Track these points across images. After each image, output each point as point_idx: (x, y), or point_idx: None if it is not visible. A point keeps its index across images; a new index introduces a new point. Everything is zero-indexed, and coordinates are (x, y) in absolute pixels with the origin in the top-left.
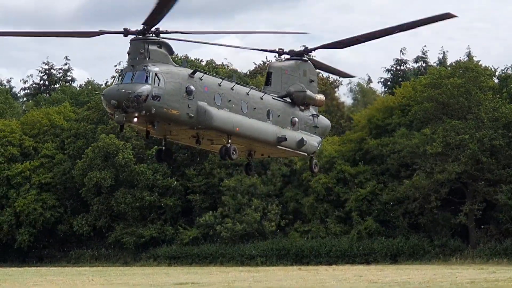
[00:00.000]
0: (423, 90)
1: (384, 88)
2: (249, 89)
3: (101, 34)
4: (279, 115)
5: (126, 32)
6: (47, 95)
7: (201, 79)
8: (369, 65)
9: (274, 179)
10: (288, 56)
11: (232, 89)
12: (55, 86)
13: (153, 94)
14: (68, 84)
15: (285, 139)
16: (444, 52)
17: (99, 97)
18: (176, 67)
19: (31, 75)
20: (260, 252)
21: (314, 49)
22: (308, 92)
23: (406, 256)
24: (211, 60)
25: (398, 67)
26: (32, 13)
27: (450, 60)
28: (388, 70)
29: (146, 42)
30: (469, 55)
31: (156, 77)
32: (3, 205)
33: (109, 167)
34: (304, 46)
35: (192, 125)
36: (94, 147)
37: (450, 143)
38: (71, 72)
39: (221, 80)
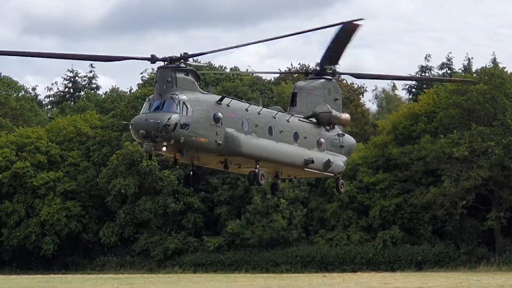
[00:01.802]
0: (448, 97)
1: (409, 95)
2: (276, 112)
3: (128, 59)
4: (305, 137)
5: (152, 59)
6: (72, 103)
7: (228, 105)
8: (394, 72)
9: (301, 186)
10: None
11: (259, 113)
12: (80, 93)
13: (182, 123)
14: (93, 91)
15: (312, 162)
16: (469, 59)
17: (123, 105)
18: (204, 94)
19: (56, 83)
20: (285, 259)
21: (342, 73)
22: (334, 112)
23: (431, 263)
24: (235, 67)
25: (423, 74)
26: (58, 22)
27: (475, 66)
28: None
29: (173, 70)
30: (494, 61)
31: (184, 105)
32: (29, 215)
33: (134, 174)
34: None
35: (220, 152)
36: (119, 155)
37: (476, 149)
38: (96, 80)
39: (248, 104)
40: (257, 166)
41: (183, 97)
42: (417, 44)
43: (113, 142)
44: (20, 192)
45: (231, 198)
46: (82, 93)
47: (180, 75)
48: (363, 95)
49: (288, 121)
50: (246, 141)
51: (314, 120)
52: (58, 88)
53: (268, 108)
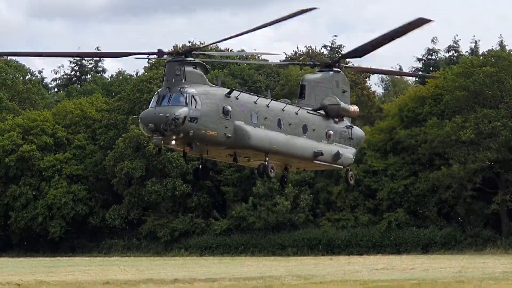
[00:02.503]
0: (455, 80)
1: (415, 78)
2: (285, 104)
3: (134, 54)
4: (314, 129)
5: (160, 53)
6: (78, 86)
7: (237, 98)
8: (400, 55)
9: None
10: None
11: (268, 106)
12: (86, 76)
13: (191, 116)
14: (99, 74)
15: (322, 154)
16: (476, 41)
17: (130, 88)
18: (212, 87)
19: (62, 66)
20: (292, 242)
21: (340, 59)
22: (342, 105)
23: (437, 246)
24: (242, 50)
25: (430, 57)
26: (65, 5)
27: (482, 49)
28: (419, 60)
29: (182, 64)
30: (501, 44)
31: (193, 98)
32: (36, 197)
33: (140, 157)
34: (332, 37)
35: (229, 145)
36: (125, 138)
37: (483, 131)
38: (102, 63)
39: (257, 97)
40: (267, 158)
41: (192, 90)
42: (424, 27)
43: (119, 125)
44: (27, 174)
45: (238, 180)
46: (89, 76)
47: (189, 69)
48: (369, 78)
49: (296, 113)
50: (255, 134)
51: (322, 112)
52: (64, 71)
53: (277, 101)
